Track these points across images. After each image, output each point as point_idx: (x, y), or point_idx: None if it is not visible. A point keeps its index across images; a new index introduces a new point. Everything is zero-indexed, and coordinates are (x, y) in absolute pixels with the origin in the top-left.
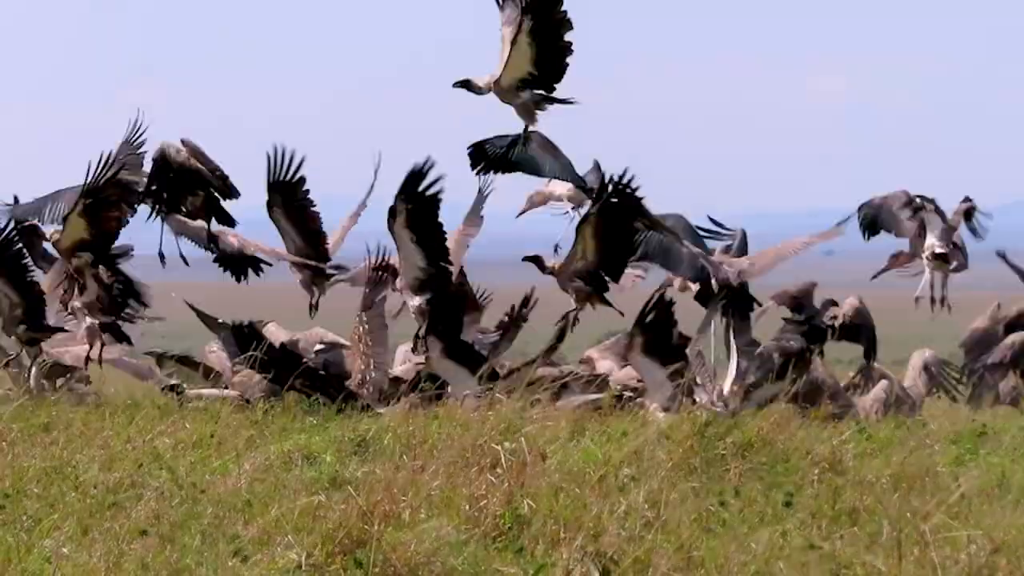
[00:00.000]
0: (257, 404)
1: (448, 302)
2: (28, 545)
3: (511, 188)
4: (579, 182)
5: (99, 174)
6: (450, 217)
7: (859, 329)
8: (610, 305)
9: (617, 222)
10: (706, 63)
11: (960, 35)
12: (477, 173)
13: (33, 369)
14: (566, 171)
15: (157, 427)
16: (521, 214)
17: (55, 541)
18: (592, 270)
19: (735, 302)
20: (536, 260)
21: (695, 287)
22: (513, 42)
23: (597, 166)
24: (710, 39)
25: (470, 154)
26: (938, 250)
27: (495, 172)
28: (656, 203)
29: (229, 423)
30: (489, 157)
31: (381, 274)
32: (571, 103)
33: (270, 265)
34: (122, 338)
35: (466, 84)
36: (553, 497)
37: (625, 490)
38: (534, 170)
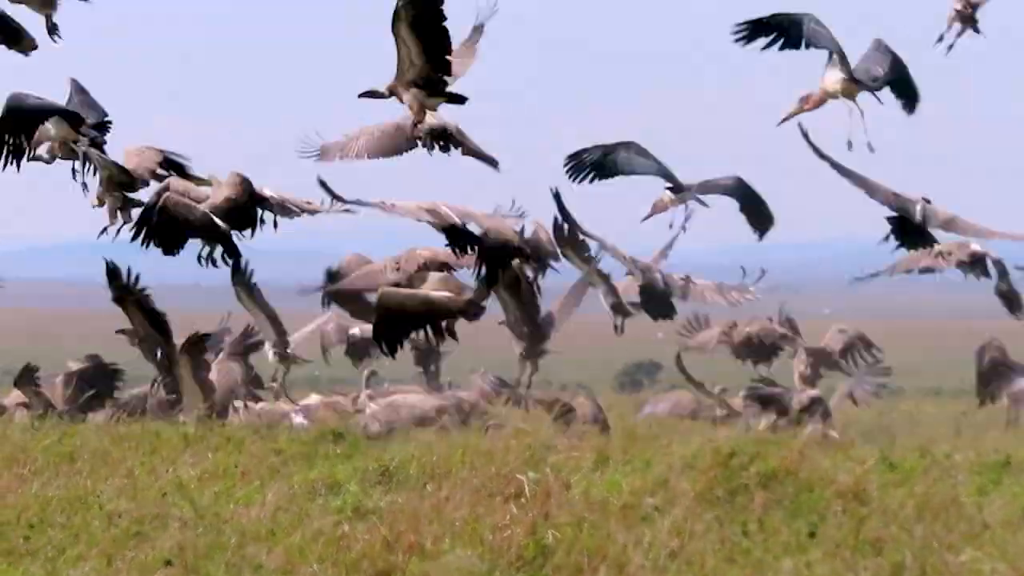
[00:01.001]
0: (281, 433)
1: None
2: (53, 575)
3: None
4: (675, 181)
5: None
6: None
7: None
8: None
9: None
10: (736, 89)
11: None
12: (578, 182)
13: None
14: (662, 172)
15: (181, 457)
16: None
17: (80, 571)
18: None
19: None
20: None
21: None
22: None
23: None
24: (740, 66)
25: (569, 166)
26: None
27: (595, 179)
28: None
29: (253, 452)
30: (586, 164)
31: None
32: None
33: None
34: None
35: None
36: (577, 527)
37: (649, 520)
38: (632, 172)
